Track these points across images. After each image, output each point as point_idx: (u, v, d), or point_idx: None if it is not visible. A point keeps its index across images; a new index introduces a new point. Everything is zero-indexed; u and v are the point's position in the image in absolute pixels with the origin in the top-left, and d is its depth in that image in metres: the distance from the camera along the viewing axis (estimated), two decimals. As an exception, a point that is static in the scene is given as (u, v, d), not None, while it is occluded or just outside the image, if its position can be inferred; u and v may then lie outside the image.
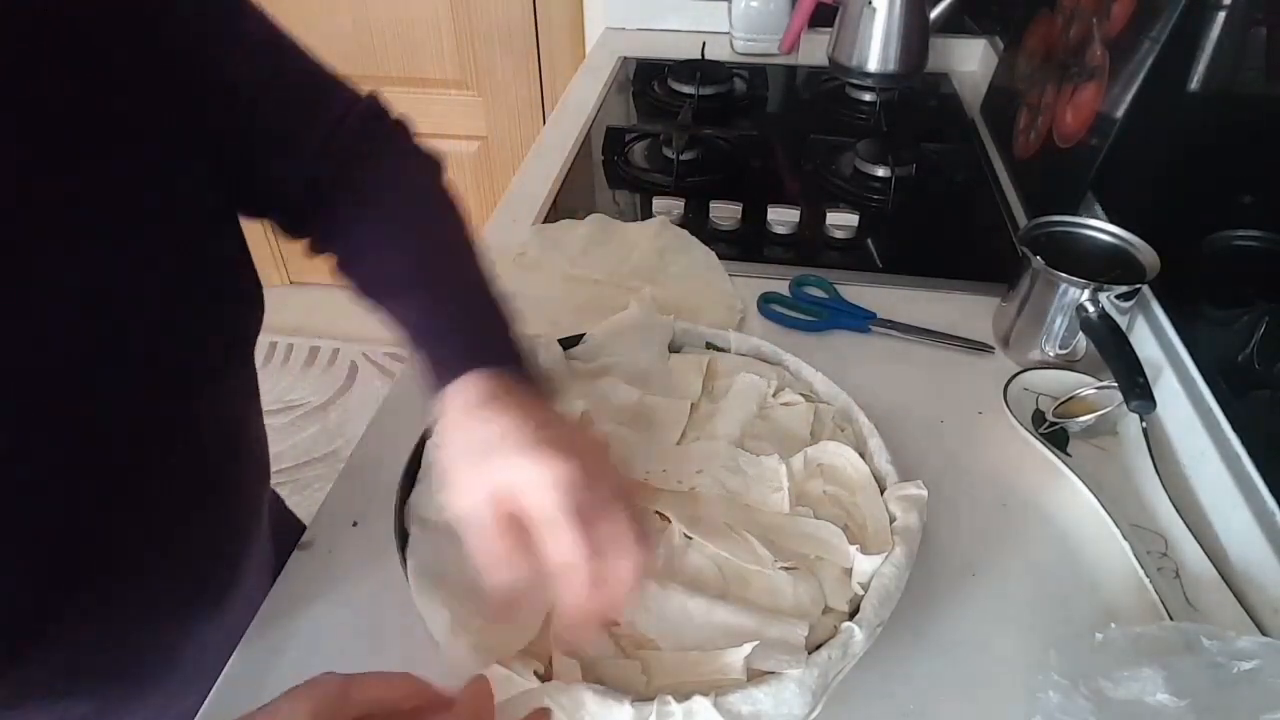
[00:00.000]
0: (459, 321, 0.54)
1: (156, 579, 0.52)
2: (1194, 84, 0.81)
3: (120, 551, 0.48)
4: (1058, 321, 0.77)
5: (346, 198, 0.56)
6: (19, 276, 0.40)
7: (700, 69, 1.33)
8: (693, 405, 0.68)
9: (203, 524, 0.56)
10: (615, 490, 0.46)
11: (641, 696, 0.48)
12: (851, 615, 0.53)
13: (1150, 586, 0.59)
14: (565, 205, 1.06)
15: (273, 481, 0.68)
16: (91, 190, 0.43)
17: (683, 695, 0.47)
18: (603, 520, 0.44)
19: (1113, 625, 0.51)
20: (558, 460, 0.43)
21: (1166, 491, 0.66)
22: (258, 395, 0.62)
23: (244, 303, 0.53)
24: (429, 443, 0.64)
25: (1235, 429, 0.65)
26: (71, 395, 0.44)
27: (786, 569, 0.55)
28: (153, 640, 0.56)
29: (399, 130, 0.59)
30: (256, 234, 0.53)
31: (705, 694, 0.46)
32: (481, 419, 0.46)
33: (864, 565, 0.55)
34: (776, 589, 0.55)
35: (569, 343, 0.74)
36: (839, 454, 0.63)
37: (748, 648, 0.49)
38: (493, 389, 0.48)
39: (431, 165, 0.60)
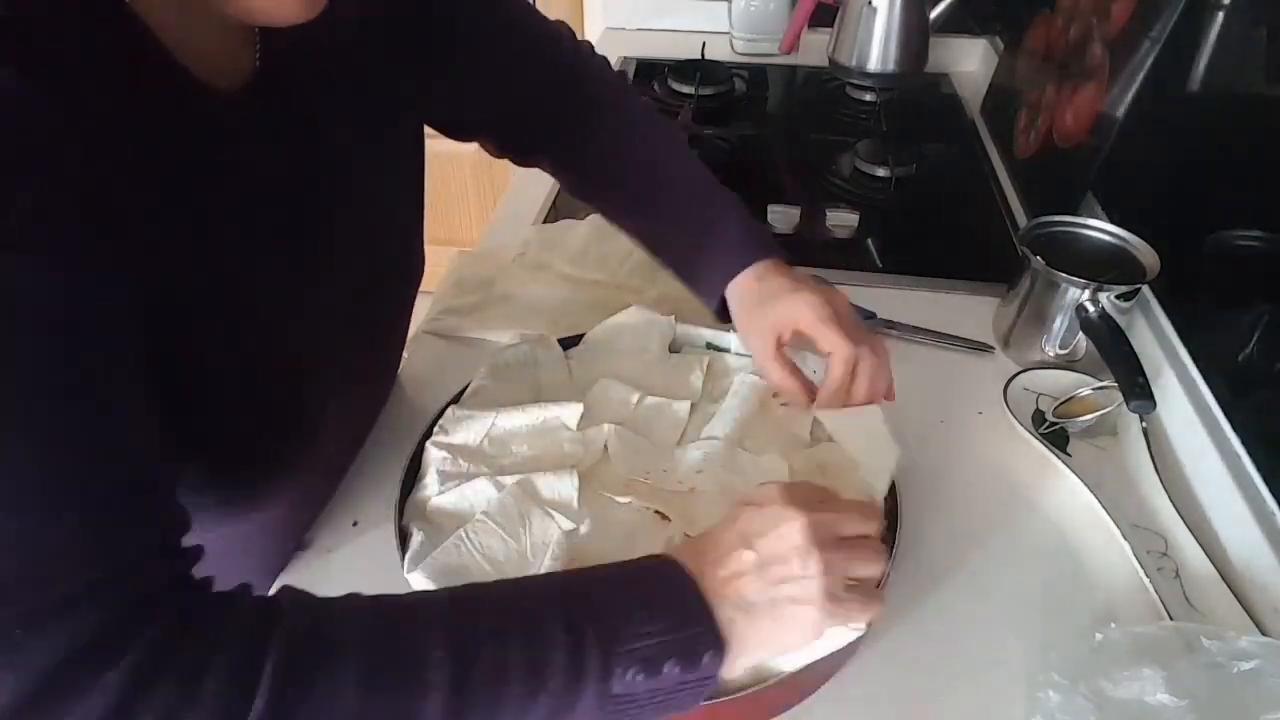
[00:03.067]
0: (723, 230, 0.68)
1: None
2: (1194, 84, 0.81)
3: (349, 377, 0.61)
4: (1058, 321, 0.77)
5: (558, 129, 0.72)
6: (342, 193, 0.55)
7: (700, 69, 1.33)
8: (693, 405, 0.68)
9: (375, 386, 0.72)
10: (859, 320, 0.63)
11: None
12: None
13: (1150, 586, 0.59)
14: (565, 205, 1.06)
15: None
16: (347, 150, 0.56)
17: None
18: (857, 330, 0.62)
19: (1113, 625, 0.51)
20: (820, 295, 0.62)
21: (1166, 491, 0.66)
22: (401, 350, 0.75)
23: (419, 259, 0.68)
24: (429, 443, 0.64)
25: (1235, 429, 0.65)
26: (347, 268, 0.57)
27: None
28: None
29: (590, 55, 0.75)
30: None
31: None
32: (760, 286, 0.65)
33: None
34: None
35: (569, 343, 0.74)
36: (839, 453, 0.63)
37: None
38: (764, 271, 0.65)
39: (619, 81, 0.78)
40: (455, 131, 0.72)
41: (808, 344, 0.64)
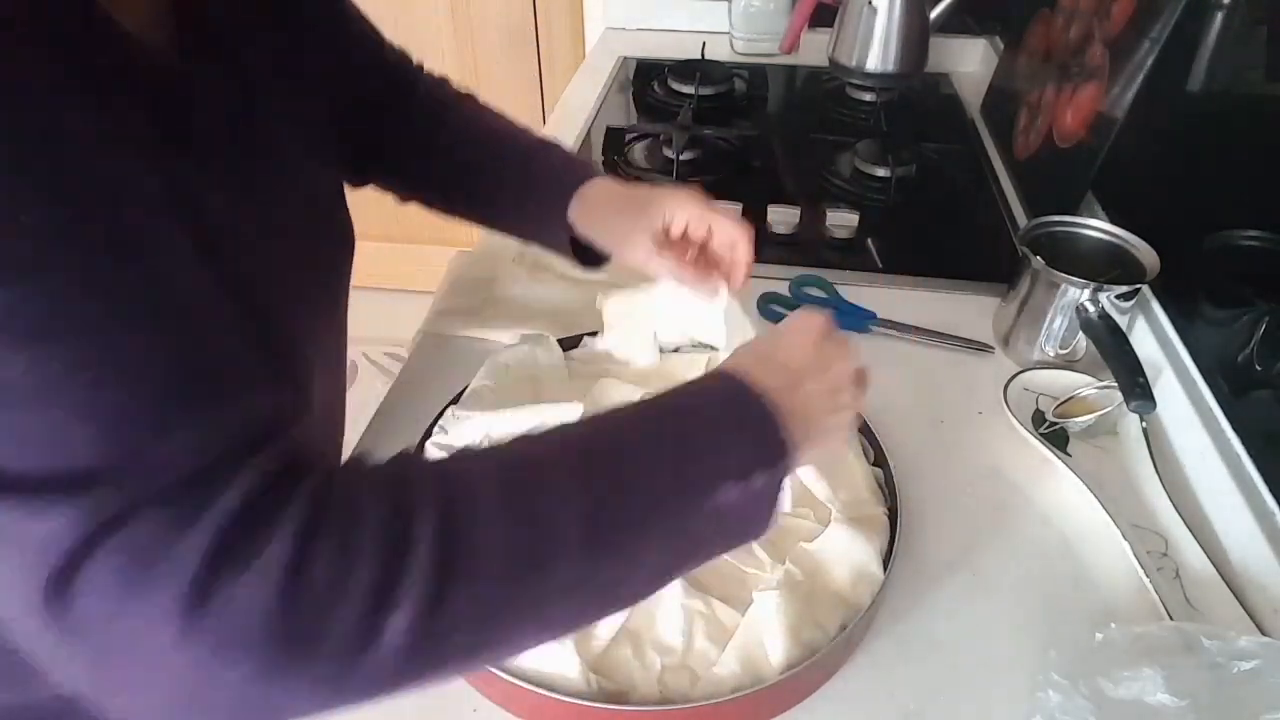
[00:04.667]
0: (556, 159, 0.70)
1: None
2: (1194, 84, 0.81)
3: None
4: (1058, 321, 0.77)
5: (398, 138, 0.73)
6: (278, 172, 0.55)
7: (700, 69, 1.33)
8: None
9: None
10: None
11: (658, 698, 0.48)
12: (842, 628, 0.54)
13: (1150, 586, 0.59)
14: (565, 205, 1.06)
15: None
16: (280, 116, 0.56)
17: None
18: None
19: (1113, 625, 0.51)
20: (683, 192, 0.65)
21: (1166, 491, 0.66)
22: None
23: (352, 232, 0.68)
24: (429, 442, 0.64)
25: (1235, 429, 0.65)
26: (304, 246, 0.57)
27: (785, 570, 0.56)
28: None
29: (420, 69, 0.77)
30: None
31: None
32: (611, 202, 0.67)
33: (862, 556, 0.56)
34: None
35: (569, 343, 0.74)
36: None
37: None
38: (600, 188, 0.67)
39: (445, 86, 0.78)
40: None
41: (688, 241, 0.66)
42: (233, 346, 0.39)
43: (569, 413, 0.64)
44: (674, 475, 0.45)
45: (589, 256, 0.69)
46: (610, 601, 0.45)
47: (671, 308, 0.71)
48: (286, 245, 0.55)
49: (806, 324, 0.53)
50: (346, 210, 0.68)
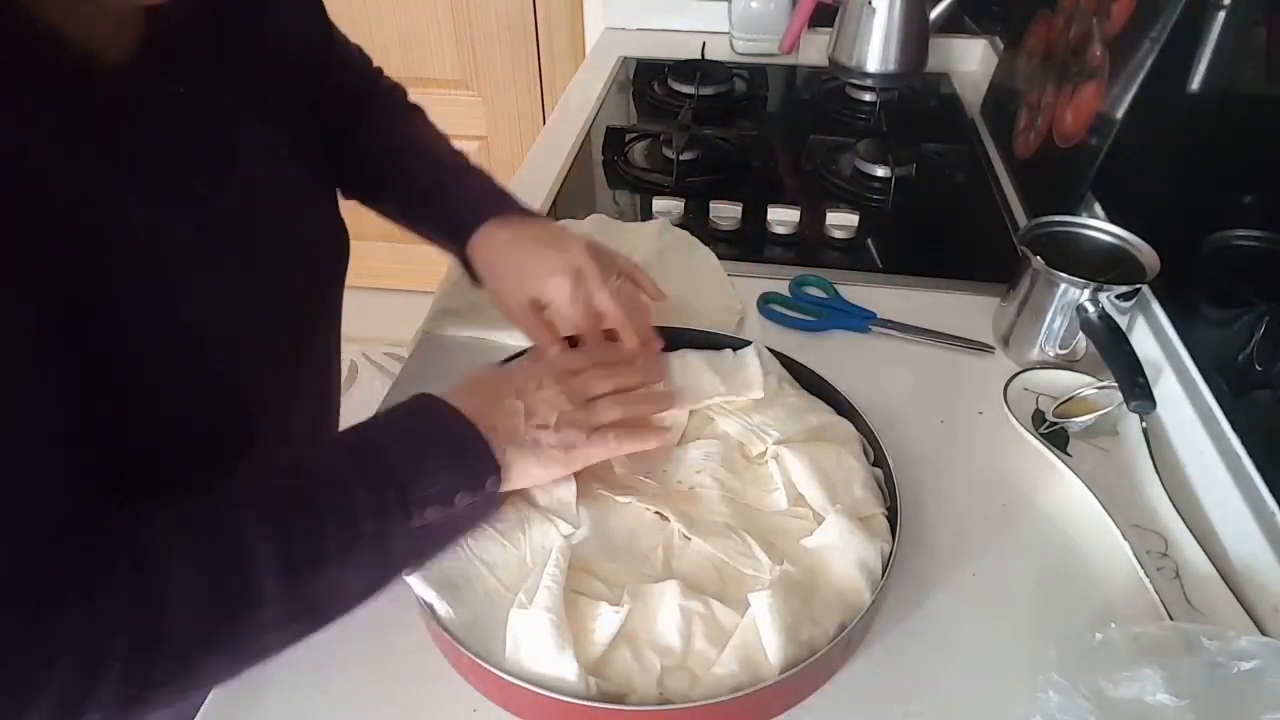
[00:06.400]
0: (464, 189, 0.72)
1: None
2: (1194, 84, 0.81)
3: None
4: (1058, 321, 0.77)
5: (350, 141, 0.73)
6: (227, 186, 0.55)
7: (700, 69, 1.33)
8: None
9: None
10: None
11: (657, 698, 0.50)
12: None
13: (1150, 586, 0.59)
14: (565, 205, 1.06)
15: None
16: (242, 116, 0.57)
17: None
18: (599, 291, 0.65)
19: (1113, 625, 0.51)
20: (560, 262, 0.65)
21: (1166, 491, 0.66)
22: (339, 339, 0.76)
23: (341, 235, 0.69)
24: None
25: (1235, 429, 0.65)
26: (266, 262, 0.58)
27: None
28: None
29: (379, 75, 0.80)
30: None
31: None
32: (499, 254, 0.67)
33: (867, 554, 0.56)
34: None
35: (569, 343, 0.74)
36: (834, 452, 0.63)
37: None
38: (513, 220, 0.69)
39: (401, 97, 0.81)
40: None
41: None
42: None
43: None
44: (370, 504, 0.47)
45: None
46: (321, 622, 0.48)
47: (698, 363, 0.69)
48: (243, 249, 0.56)
49: (532, 362, 0.58)
50: (333, 213, 0.68)
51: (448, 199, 0.72)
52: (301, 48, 0.66)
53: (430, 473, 0.49)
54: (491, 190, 0.73)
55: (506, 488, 0.54)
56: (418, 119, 0.80)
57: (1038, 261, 0.76)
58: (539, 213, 0.71)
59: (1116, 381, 0.70)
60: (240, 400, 0.56)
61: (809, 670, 0.51)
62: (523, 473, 0.54)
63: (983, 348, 0.83)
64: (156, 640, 0.41)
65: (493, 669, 0.50)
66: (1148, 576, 0.60)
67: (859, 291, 0.90)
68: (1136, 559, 0.61)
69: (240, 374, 0.56)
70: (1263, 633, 0.57)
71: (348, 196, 0.76)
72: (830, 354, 0.80)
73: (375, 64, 0.81)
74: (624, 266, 0.70)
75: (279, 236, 0.60)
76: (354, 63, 0.78)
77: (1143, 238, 0.78)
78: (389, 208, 0.76)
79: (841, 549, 0.57)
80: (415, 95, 0.82)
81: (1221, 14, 0.78)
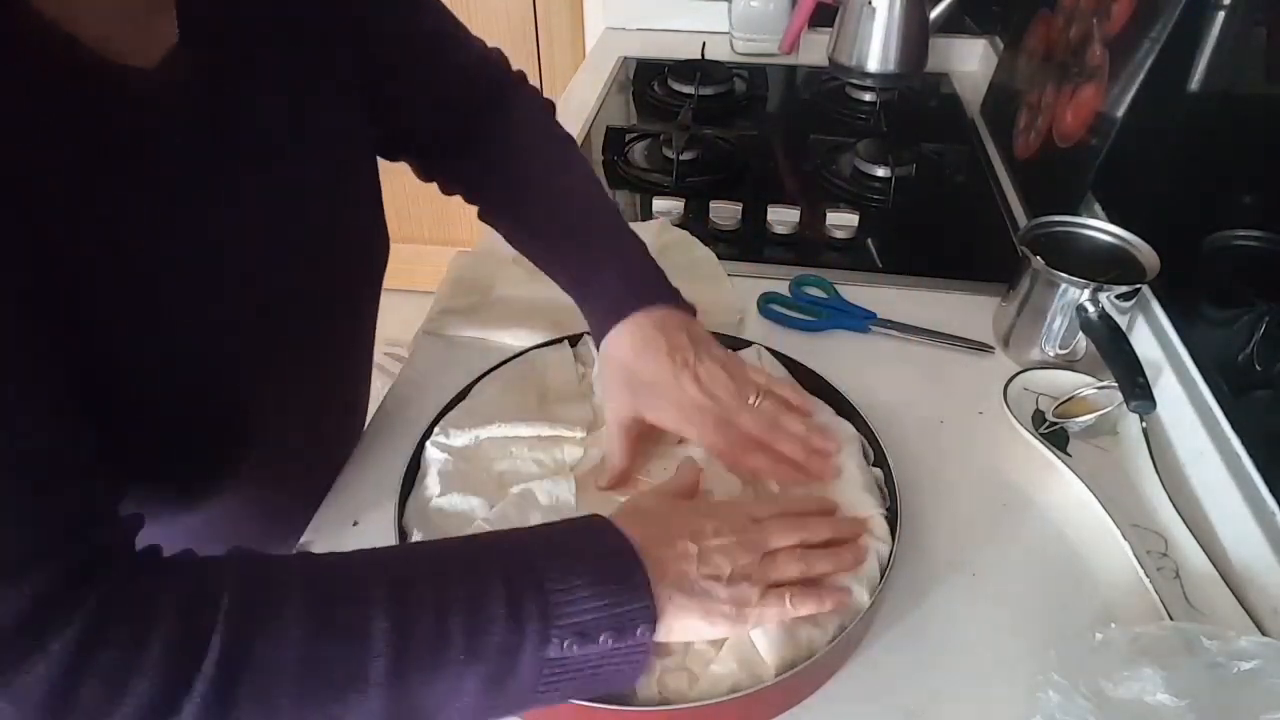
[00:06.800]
0: (612, 267, 0.64)
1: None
2: (1194, 84, 0.81)
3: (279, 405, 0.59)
4: (1058, 321, 0.77)
5: (476, 149, 0.69)
6: (231, 184, 0.51)
7: (700, 69, 1.33)
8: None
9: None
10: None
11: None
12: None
13: (1150, 586, 0.59)
14: (565, 205, 1.06)
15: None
16: (280, 119, 0.54)
17: None
18: (727, 426, 0.60)
19: (1113, 625, 0.51)
20: (692, 390, 0.59)
21: (1166, 491, 0.66)
22: (372, 343, 0.74)
23: (378, 240, 0.65)
24: (429, 443, 0.64)
25: (1235, 429, 0.65)
26: (264, 273, 0.55)
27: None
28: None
29: (519, 83, 0.74)
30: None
31: None
32: (632, 359, 0.60)
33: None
34: None
35: (570, 342, 0.74)
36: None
37: None
38: (650, 325, 0.61)
39: (547, 112, 0.74)
40: (381, 147, 0.68)
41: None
42: (39, 439, 0.38)
43: (571, 432, 0.64)
44: (506, 619, 0.42)
45: None
46: None
47: None
48: (265, 253, 0.54)
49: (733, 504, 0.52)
50: (374, 214, 0.65)
51: (605, 276, 0.64)
52: (350, 26, 0.60)
53: (575, 590, 0.43)
54: (640, 269, 0.65)
55: (659, 638, 0.46)
56: (572, 156, 0.73)
57: (1038, 261, 0.76)
58: (684, 301, 0.65)
59: (1116, 381, 0.70)
60: (265, 403, 0.56)
61: (809, 670, 0.51)
62: (684, 626, 0.47)
63: (983, 348, 0.83)
64: (240, 687, 0.37)
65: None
66: (1148, 576, 0.60)
67: (859, 291, 0.90)
68: (1136, 559, 0.61)
69: (257, 378, 0.55)
70: (1263, 633, 0.57)
71: (450, 193, 0.73)
72: (830, 354, 0.80)
73: (516, 68, 0.75)
74: (760, 383, 0.62)
75: (304, 240, 0.58)
76: (469, 65, 0.72)
77: (1143, 238, 0.78)
78: (524, 243, 0.70)
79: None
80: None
81: (1221, 14, 0.78)
